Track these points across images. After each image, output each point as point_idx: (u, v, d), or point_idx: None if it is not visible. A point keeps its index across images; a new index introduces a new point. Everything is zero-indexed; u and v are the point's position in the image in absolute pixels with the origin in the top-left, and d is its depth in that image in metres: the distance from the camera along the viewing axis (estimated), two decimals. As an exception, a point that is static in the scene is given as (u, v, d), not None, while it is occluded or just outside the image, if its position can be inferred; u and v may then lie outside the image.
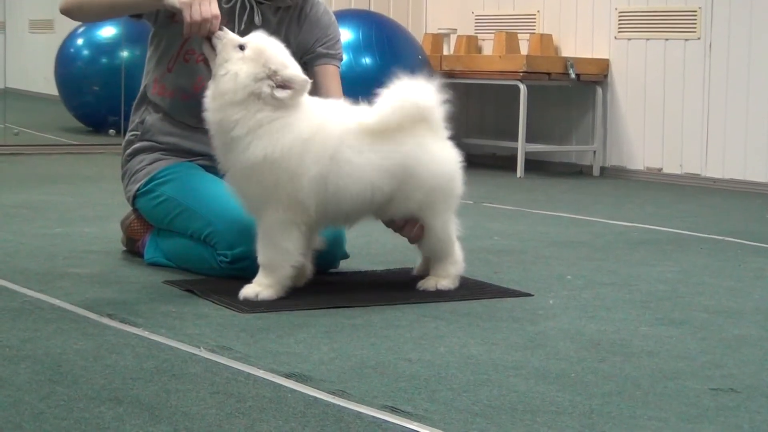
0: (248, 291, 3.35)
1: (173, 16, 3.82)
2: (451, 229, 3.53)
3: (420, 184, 3.42)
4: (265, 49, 3.33)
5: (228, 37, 3.38)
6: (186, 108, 3.87)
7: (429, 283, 3.55)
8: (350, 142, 3.34)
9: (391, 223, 3.57)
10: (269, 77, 3.29)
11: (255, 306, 3.26)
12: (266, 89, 3.29)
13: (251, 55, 3.32)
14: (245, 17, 3.82)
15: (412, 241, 3.57)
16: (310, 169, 3.29)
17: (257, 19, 3.82)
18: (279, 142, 3.28)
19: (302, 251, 3.37)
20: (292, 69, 3.33)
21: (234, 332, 2.97)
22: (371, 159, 3.35)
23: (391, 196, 3.42)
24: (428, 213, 3.47)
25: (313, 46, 3.89)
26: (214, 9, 3.43)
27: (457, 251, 3.57)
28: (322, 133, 3.32)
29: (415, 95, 3.40)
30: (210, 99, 3.36)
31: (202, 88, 3.75)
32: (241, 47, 3.34)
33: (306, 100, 3.37)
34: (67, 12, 3.73)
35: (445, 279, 3.55)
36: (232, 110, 3.29)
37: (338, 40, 3.98)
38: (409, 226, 3.53)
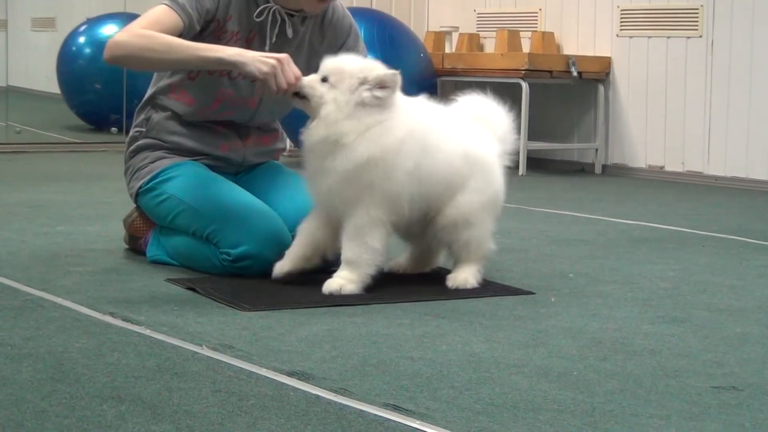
0: (333, 285, 3.42)
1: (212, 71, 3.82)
2: (489, 243, 3.67)
3: (488, 179, 3.64)
4: (340, 67, 3.45)
5: (309, 81, 3.47)
6: (202, 115, 3.87)
7: (457, 281, 3.62)
8: (440, 131, 3.54)
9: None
10: (361, 84, 3.40)
11: (259, 303, 3.26)
12: (366, 93, 3.40)
13: (335, 80, 3.43)
14: (277, 30, 3.82)
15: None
16: (405, 164, 3.41)
17: (289, 32, 3.83)
18: (380, 143, 3.38)
19: (386, 250, 3.49)
20: (378, 69, 3.45)
21: (236, 330, 2.97)
22: (455, 145, 3.56)
23: (464, 184, 3.57)
24: (482, 216, 3.61)
25: (335, 47, 3.89)
26: (296, 71, 3.47)
27: (490, 247, 3.72)
28: (414, 130, 3.46)
29: (493, 116, 3.85)
30: (315, 126, 3.43)
31: (224, 100, 3.78)
32: (324, 79, 3.44)
33: (401, 100, 3.49)
34: (114, 61, 3.63)
35: (473, 277, 3.63)
36: (342, 123, 3.39)
37: (359, 37, 4.02)
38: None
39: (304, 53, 3.89)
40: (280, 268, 3.53)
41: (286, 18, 3.83)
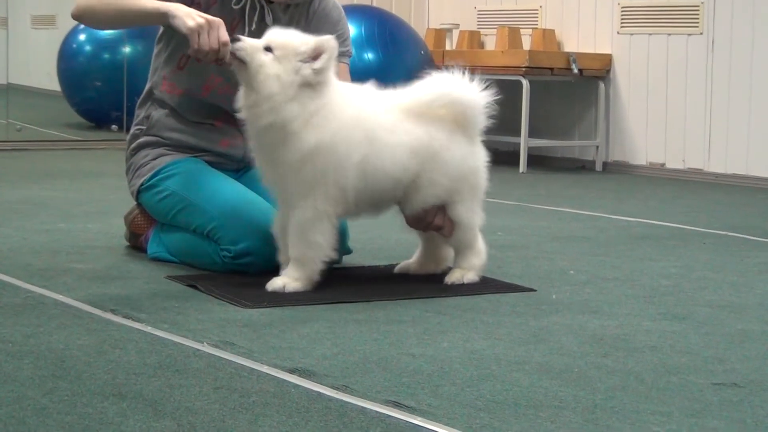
0: (276, 283, 3.39)
1: None
2: (475, 220, 3.59)
3: (446, 170, 3.49)
4: (288, 42, 3.37)
5: (250, 45, 3.36)
6: (194, 106, 3.87)
7: (455, 276, 3.60)
8: (385, 124, 3.43)
9: (420, 222, 3.58)
10: (303, 61, 3.33)
11: (260, 301, 3.26)
12: (307, 71, 3.33)
13: (281, 54, 3.34)
14: (256, 17, 3.81)
15: (446, 233, 3.58)
16: (354, 154, 3.36)
17: (268, 19, 3.81)
18: (329, 128, 3.33)
19: (333, 246, 3.41)
20: (311, 41, 3.37)
21: (237, 327, 2.97)
22: (403, 140, 3.43)
23: (418, 180, 3.47)
24: (455, 199, 3.53)
25: None
26: (222, 36, 3.42)
27: (481, 243, 3.64)
28: (361, 117, 3.40)
29: (463, 93, 3.51)
30: (253, 104, 3.36)
31: (213, 88, 3.76)
32: (267, 49, 3.36)
33: (342, 86, 3.44)
34: (79, 17, 3.70)
35: (470, 271, 3.61)
36: (288, 108, 3.32)
37: (347, 36, 3.97)
38: (439, 217, 3.55)
39: None
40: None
41: (265, 5, 3.83)
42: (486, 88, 3.53)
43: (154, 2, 3.58)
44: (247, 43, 3.36)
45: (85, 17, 3.71)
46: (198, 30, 3.42)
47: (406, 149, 3.44)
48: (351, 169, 3.36)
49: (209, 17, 3.45)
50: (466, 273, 3.61)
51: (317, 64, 3.33)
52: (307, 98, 3.34)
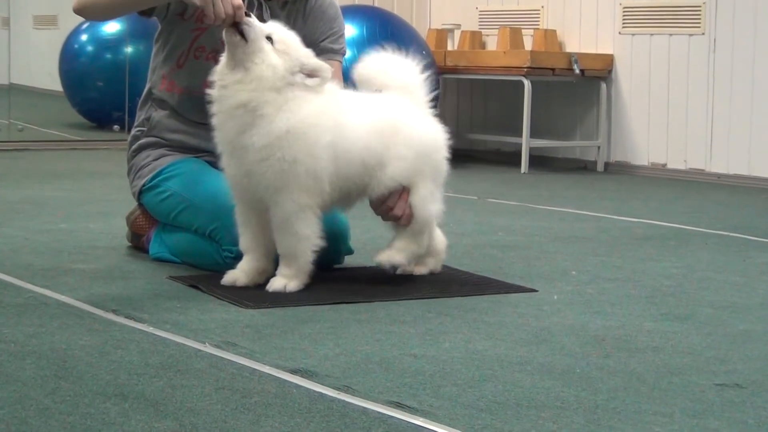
0: (276, 284, 3.38)
1: (182, 14, 3.81)
2: (431, 208, 3.55)
3: (408, 143, 3.50)
4: (290, 45, 3.41)
5: (258, 27, 3.40)
6: (194, 105, 3.87)
7: (382, 256, 3.57)
8: (349, 108, 3.47)
9: (383, 205, 3.54)
10: (300, 71, 3.38)
11: (262, 301, 3.26)
12: (299, 79, 3.37)
13: (282, 48, 3.38)
14: (254, 14, 3.81)
15: (403, 222, 3.54)
16: (323, 138, 3.36)
17: (266, 16, 3.82)
18: (298, 115, 3.34)
19: (320, 235, 3.41)
20: (314, 59, 3.43)
21: (239, 328, 2.97)
22: (365, 120, 3.47)
23: (383, 159, 3.47)
24: (415, 179, 3.51)
25: (317, 40, 3.89)
26: (237, 1, 3.42)
27: (437, 238, 3.68)
28: (329, 103, 3.42)
29: (397, 67, 3.66)
30: (237, 81, 3.36)
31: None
32: (269, 38, 3.38)
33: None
34: (79, 11, 3.68)
35: (399, 253, 3.56)
36: (267, 94, 3.34)
37: (342, 34, 3.99)
38: (400, 205, 3.51)
39: None
40: (233, 280, 3.46)
41: (263, 2, 3.83)
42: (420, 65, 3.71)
43: None
44: (256, 23, 3.40)
45: (85, 11, 3.68)
46: (212, 1, 3.41)
47: (368, 128, 3.46)
48: (321, 154, 3.35)
49: None
50: (394, 254, 3.56)
51: (309, 82, 3.38)
52: (288, 91, 3.36)
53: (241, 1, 3.41)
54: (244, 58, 3.36)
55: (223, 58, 3.43)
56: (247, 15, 3.39)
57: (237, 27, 3.37)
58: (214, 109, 3.42)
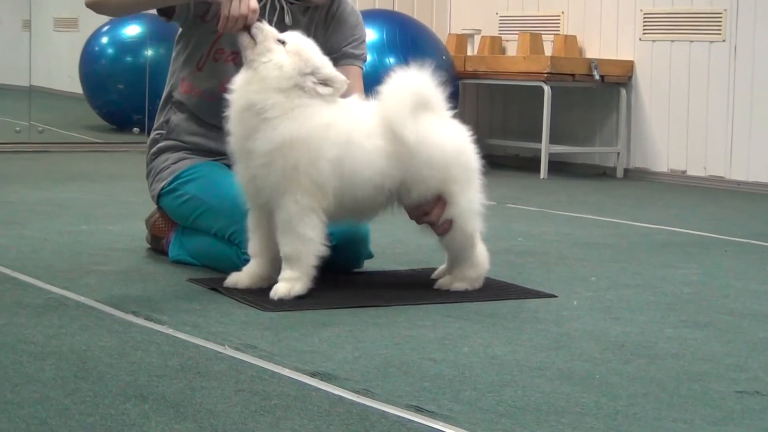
0: (280, 290, 3.34)
1: (203, 15, 3.82)
2: (474, 224, 3.51)
3: (430, 163, 3.42)
4: (304, 49, 3.41)
5: (268, 29, 3.42)
6: (212, 107, 3.87)
7: (444, 281, 3.58)
8: (363, 128, 3.40)
9: (418, 210, 3.51)
10: (312, 74, 3.36)
11: (280, 304, 3.27)
12: (310, 84, 3.35)
13: (293, 50, 3.38)
14: (275, 17, 3.82)
15: (440, 232, 3.52)
16: (328, 152, 3.32)
17: (287, 19, 3.82)
18: (305, 125, 3.32)
19: (324, 239, 3.37)
20: (331, 69, 3.41)
21: (258, 330, 2.97)
22: (380, 144, 3.39)
23: (405, 182, 3.43)
24: (449, 189, 3.46)
25: (338, 46, 3.89)
26: (252, 3, 3.43)
27: (481, 253, 3.58)
28: (341, 119, 3.38)
29: (413, 83, 3.47)
30: (245, 82, 3.38)
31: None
32: (281, 42, 3.39)
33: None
34: (91, 5, 3.67)
35: (461, 282, 3.56)
36: (273, 95, 3.33)
37: (363, 40, 3.99)
38: (437, 209, 3.48)
39: None
40: (235, 282, 3.47)
41: (285, 5, 3.84)
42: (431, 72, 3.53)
43: None
44: (265, 26, 3.42)
45: (99, 6, 3.68)
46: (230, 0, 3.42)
47: (382, 154, 3.39)
48: (324, 167, 3.31)
49: None
50: (455, 282, 3.55)
51: (322, 91, 3.36)
52: (295, 96, 3.34)
53: (256, 5, 3.43)
54: (253, 59, 3.38)
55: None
56: (260, 20, 3.43)
57: (248, 30, 3.41)
58: (226, 112, 3.44)
